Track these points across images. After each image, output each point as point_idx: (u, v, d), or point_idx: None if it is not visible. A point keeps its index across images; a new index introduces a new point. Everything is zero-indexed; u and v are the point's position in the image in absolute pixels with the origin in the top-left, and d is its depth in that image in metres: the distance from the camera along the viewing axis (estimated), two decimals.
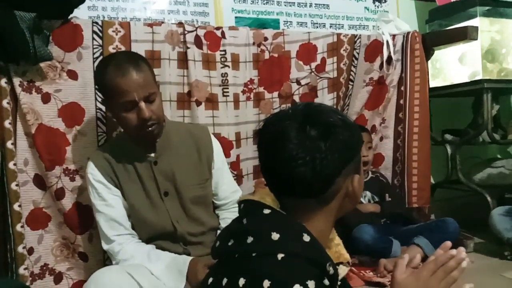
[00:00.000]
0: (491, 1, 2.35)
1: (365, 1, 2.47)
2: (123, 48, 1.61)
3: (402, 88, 2.21)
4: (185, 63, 1.73)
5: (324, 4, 2.37)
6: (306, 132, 0.76)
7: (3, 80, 1.44)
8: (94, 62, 1.56)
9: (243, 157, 1.89)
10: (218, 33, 1.79)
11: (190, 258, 1.33)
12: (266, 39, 1.88)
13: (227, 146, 1.78)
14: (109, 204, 1.37)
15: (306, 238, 0.76)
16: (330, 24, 2.38)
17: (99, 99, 1.57)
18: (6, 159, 1.44)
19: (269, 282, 0.69)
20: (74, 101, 1.56)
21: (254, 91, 1.89)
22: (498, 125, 2.55)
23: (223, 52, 1.80)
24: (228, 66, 1.81)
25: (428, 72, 2.20)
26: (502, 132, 2.53)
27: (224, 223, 1.52)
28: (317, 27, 2.34)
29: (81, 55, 1.55)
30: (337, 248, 0.92)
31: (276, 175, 0.81)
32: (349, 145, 0.80)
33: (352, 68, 2.10)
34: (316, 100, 1.99)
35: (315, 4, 2.35)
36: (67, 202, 1.56)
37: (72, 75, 1.55)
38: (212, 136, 1.57)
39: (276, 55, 1.91)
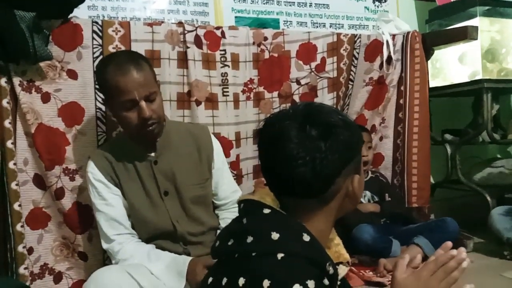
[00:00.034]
0: (491, 1, 2.35)
1: (365, 1, 2.47)
2: (123, 48, 1.61)
3: (402, 88, 2.21)
4: (185, 63, 1.73)
5: (324, 4, 2.36)
6: (306, 132, 0.76)
7: (3, 80, 1.44)
8: (94, 61, 1.56)
9: (243, 157, 1.89)
10: (218, 32, 1.79)
11: (190, 258, 1.32)
12: (266, 38, 1.88)
13: (227, 146, 1.77)
14: (109, 204, 1.37)
15: (306, 238, 0.76)
16: (330, 24, 2.38)
17: (99, 99, 1.57)
18: (6, 158, 1.44)
19: (269, 281, 0.69)
20: (74, 100, 1.56)
21: (254, 90, 1.89)
22: (498, 125, 2.55)
23: (223, 52, 1.80)
24: (228, 66, 1.81)
25: (428, 72, 2.20)
26: (502, 132, 2.53)
27: (224, 223, 1.52)
28: (317, 26, 2.33)
29: (81, 54, 1.55)
30: (337, 248, 0.92)
31: (276, 175, 0.81)
32: (350, 145, 0.80)
33: (352, 68, 2.10)
34: (316, 100, 1.99)
35: (315, 4, 2.35)
36: (67, 202, 1.56)
37: (72, 74, 1.55)
38: (212, 136, 1.56)
39: (276, 54, 1.91)
